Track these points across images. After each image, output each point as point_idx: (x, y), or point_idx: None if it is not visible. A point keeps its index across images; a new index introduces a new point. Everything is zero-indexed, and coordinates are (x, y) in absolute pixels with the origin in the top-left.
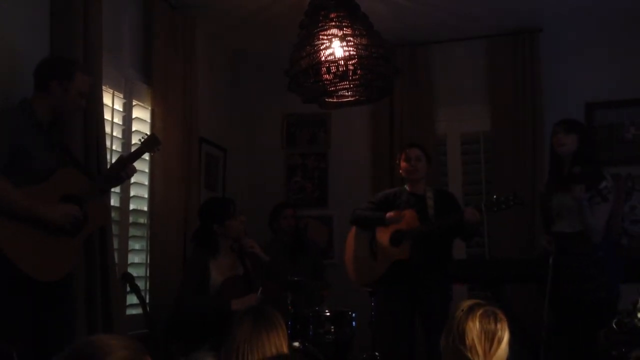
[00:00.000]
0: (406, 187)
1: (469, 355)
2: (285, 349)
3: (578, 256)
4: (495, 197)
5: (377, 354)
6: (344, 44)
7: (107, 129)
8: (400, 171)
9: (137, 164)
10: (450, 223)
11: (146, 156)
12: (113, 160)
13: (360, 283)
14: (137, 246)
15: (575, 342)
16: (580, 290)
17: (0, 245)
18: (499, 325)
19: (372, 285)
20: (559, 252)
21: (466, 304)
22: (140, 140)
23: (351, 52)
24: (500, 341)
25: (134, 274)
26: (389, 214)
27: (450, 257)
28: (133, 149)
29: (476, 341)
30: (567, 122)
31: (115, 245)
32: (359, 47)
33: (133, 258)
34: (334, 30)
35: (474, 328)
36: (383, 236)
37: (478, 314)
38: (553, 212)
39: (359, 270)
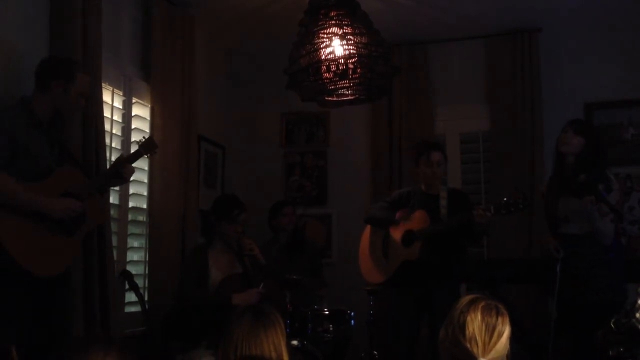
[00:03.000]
0: (422, 186)
1: (468, 346)
2: (283, 348)
3: (587, 257)
4: (505, 199)
5: (375, 352)
6: (344, 42)
7: (107, 127)
8: (419, 172)
9: (136, 162)
10: (459, 223)
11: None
12: (112, 157)
13: (372, 282)
14: (136, 244)
15: (579, 341)
16: (589, 290)
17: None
18: (500, 319)
19: (382, 285)
20: (567, 254)
21: (468, 297)
22: (138, 142)
23: (351, 51)
24: (500, 335)
25: (133, 272)
26: (398, 213)
27: (464, 258)
28: (132, 146)
29: (476, 332)
30: (578, 123)
31: (114, 242)
32: (359, 45)
33: (132, 256)
34: (334, 29)
35: (475, 319)
36: (396, 236)
37: (480, 306)
38: (559, 214)
39: (371, 269)
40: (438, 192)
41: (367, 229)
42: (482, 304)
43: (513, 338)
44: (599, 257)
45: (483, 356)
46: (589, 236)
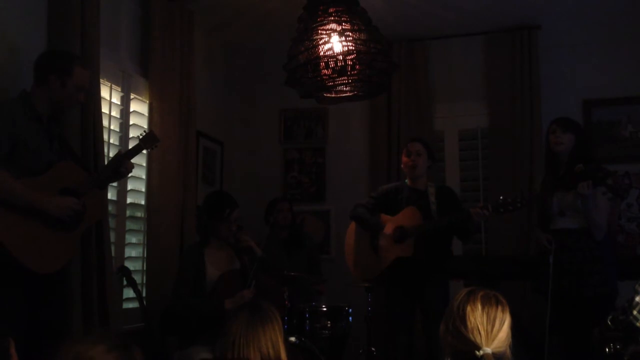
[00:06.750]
0: (407, 182)
1: (471, 336)
2: (280, 344)
3: (580, 252)
4: (502, 198)
5: (373, 349)
6: (343, 38)
7: (105, 122)
8: (402, 166)
9: (135, 158)
10: (456, 220)
11: (143, 151)
12: (110, 153)
13: (361, 278)
14: (134, 240)
15: (573, 337)
16: (582, 285)
17: None
18: (500, 307)
19: (372, 281)
20: (561, 249)
21: (465, 289)
22: (139, 136)
23: (350, 47)
24: (502, 322)
25: (131, 268)
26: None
27: (451, 254)
28: (130, 142)
29: (478, 322)
30: (564, 121)
31: (112, 238)
32: (358, 42)
33: (130, 252)
34: (333, 25)
35: (475, 309)
36: (386, 232)
37: (479, 295)
38: (554, 210)
39: (360, 266)
40: (425, 188)
41: (352, 226)
42: (481, 293)
43: (512, 336)
44: (592, 252)
45: (487, 345)
46: (583, 230)
